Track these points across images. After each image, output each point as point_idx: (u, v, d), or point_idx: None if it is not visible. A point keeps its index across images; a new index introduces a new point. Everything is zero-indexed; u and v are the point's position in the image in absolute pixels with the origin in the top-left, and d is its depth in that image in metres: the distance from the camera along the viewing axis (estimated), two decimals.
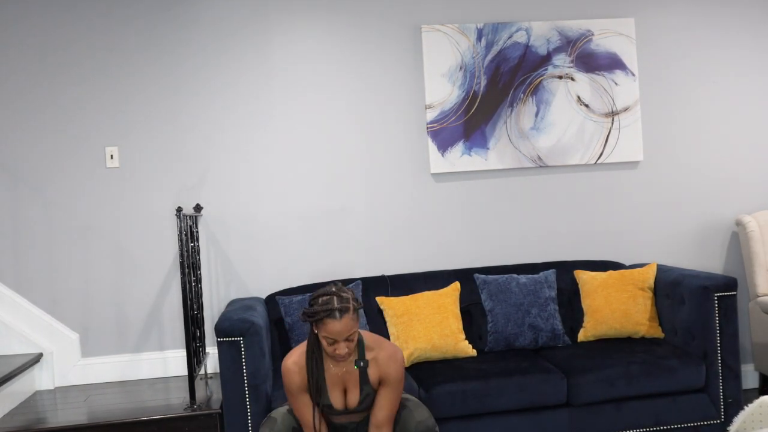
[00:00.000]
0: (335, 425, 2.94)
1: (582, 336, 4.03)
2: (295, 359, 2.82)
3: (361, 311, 3.84)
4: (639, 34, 4.50)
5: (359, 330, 2.86)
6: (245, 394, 3.39)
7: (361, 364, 2.79)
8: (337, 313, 2.63)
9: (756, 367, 4.41)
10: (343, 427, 2.96)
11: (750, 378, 4.46)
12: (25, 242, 4.13)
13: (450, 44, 4.33)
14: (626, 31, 4.47)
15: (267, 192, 4.27)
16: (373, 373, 2.82)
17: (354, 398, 2.84)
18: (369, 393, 2.83)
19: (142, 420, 3.45)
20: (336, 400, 2.85)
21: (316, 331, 2.73)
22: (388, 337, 3.84)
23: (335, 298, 2.66)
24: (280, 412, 2.93)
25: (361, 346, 2.82)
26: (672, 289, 3.91)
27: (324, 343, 2.70)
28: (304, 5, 4.28)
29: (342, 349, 2.67)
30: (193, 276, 3.84)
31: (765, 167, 4.63)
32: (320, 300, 2.68)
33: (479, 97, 4.36)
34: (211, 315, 4.22)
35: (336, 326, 2.63)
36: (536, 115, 4.41)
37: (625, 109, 4.48)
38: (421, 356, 3.80)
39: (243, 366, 3.40)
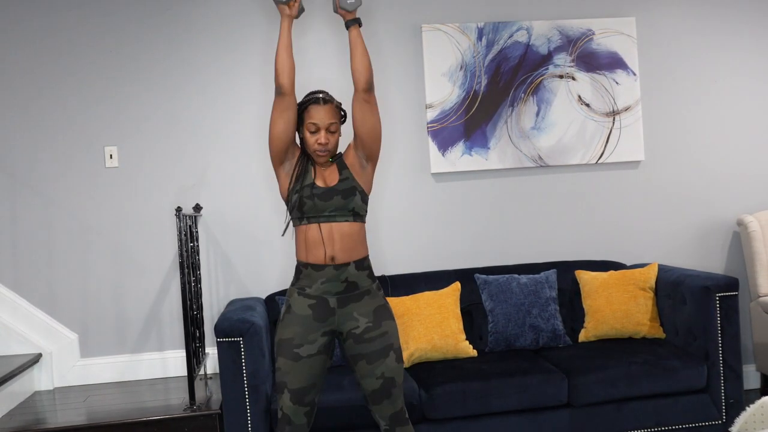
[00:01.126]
0: (321, 288, 2.86)
1: (583, 336, 4.02)
2: None
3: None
4: (640, 34, 4.49)
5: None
6: (245, 394, 3.38)
7: (336, 156, 2.95)
8: (321, 101, 2.87)
9: (758, 368, 4.40)
10: (327, 294, 2.85)
11: (751, 378, 4.45)
12: (24, 242, 4.12)
13: (450, 43, 4.32)
14: (627, 31, 4.45)
15: (267, 192, 4.25)
16: (347, 156, 2.96)
17: (334, 179, 2.91)
18: (348, 176, 2.90)
19: (141, 421, 3.44)
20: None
21: (302, 136, 2.91)
22: None
23: (320, 93, 2.91)
24: (287, 405, 2.82)
25: (338, 156, 2.98)
26: (673, 289, 3.90)
27: (307, 136, 2.87)
28: (303, 4, 4.26)
29: (322, 138, 2.84)
30: (193, 276, 3.83)
31: (766, 167, 4.62)
32: (307, 95, 2.92)
33: (480, 96, 4.35)
34: (210, 315, 4.21)
35: (319, 111, 2.85)
36: (537, 114, 4.40)
37: (626, 109, 4.46)
38: (421, 356, 3.79)
39: (243, 366, 3.39)
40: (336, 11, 2.92)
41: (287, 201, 2.92)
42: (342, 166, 2.93)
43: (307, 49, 4.27)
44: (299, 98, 2.93)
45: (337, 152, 2.96)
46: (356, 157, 2.94)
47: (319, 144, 2.85)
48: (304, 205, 2.84)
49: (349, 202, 2.87)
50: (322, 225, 2.85)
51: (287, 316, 2.87)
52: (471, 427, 3.51)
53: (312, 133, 2.86)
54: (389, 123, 4.33)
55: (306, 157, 2.93)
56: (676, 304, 3.88)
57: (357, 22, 2.89)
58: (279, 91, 2.83)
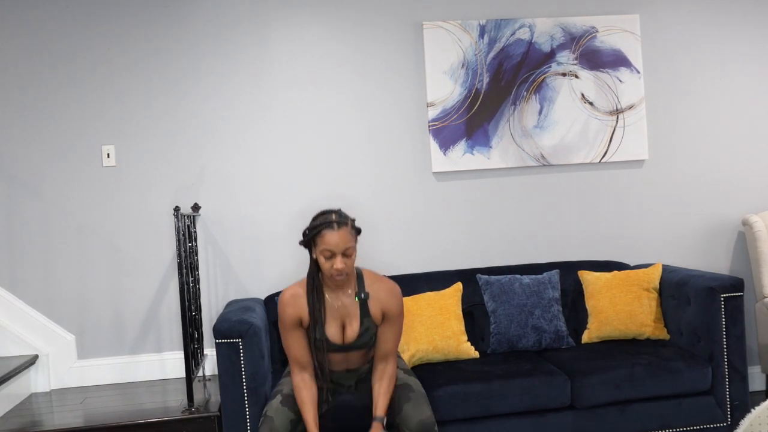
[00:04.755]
0: (332, 383, 2.92)
1: (586, 337, 3.99)
2: (293, 291, 2.87)
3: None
4: (644, 31, 4.45)
5: (358, 267, 2.95)
6: (244, 396, 3.35)
7: (362, 296, 2.84)
8: (335, 225, 2.74)
9: (763, 369, 4.36)
10: (340, 385, 2.93)
11: (756, 380, 4.42)
12: (21, 242, 4.09)
13: (452, 41, 4.28)
14: (631, 28, 4.41)
15: (266, 191, 4.22)
16: (373, 306, 2.86)
17: (353, 331, 2.85)
18: (369, 327, 2.84)
19: (139, 423, 3.41)
20: (333, 333, 2.85)
21: (314, 256, 2.81)
22: None
23: (334, 214, 2.80)
24: (273, 408, 2.90)
25: (360, 280, 2.88)
26: (677, 290, 3.86)
27: (322, 260, 2.76)
28: (303, 1, 4.23)
29: (339, 263, 2.73)
30: (191, 277, 3.79)
31: None
32: (319, 218, 2.80)
33: (482, 94, 4.31)
34: (209, 316, 4.17)
35: (333, 237, 2.72)
36: (539, 113, 4.36)
37: (630, 107, 4.42)
38: (422, 358, 3.76)
39: (242, 368, 3.35)
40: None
41: None
42: (365, 312, 2.87)
43: (306, 45, 4.23)
44: (309, 220, 2.90)
45: (365, 290, 2.89)
46: (379, 314, 2.91)
47: (336, 270, 2.76)
48: (317, 360, 2.85)
49: (368, 350, 2.90)
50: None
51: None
52: (473, 430, 3.48)
53: (327, 259, 2.76)
54: (390, 122, 4.30)
55: (317, 293, 2.86)
56: (681, 304, 3.84)
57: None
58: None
